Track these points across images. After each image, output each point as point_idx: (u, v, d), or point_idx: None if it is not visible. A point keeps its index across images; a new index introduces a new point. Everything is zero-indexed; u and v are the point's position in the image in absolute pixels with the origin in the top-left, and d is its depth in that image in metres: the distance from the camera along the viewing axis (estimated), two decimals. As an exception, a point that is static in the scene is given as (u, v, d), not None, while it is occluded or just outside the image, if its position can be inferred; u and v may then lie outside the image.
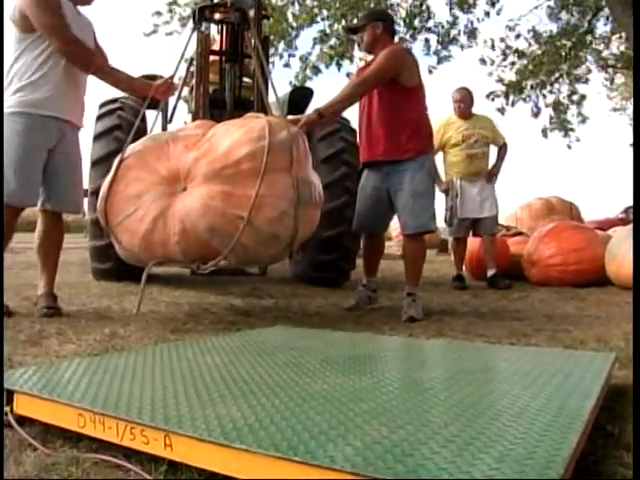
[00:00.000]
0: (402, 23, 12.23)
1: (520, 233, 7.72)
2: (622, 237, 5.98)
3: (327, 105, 3.74)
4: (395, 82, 3.81)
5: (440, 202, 6.32)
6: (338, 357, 2.08)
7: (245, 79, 5.43)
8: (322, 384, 1.66)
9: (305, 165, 3.44)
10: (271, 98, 4.27)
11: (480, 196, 6.14)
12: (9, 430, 1.55)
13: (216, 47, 5.10)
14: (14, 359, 2.37)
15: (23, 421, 1.56)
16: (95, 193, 4.70)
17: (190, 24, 4.57)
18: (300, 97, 5.99)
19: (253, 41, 4.33)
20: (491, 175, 6.26)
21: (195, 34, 4.52)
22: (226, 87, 4.97)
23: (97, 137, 5.39)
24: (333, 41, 12.10)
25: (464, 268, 6.43)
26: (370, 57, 4.20)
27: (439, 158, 6.28)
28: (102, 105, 5.61)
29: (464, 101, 6.29)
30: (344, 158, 5.49)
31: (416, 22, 12.15)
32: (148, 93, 3.64)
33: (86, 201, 5.40)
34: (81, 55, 3.46)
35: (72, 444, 1.47)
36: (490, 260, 6.17)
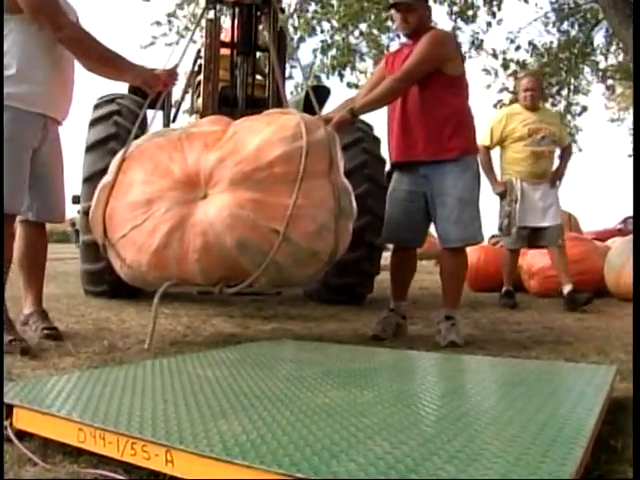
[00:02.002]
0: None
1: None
2: (621, 248, 5.98)
3: (363, 103, 3.28)
4: (439, 71, 3.27)
5: (490, 207, 5.70)
6: (339, 370, 2.07)
7: (257, 77, 4.90)
8: (324, 398, 1.65)
9: (342, 169, 3.04)
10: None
11: (543, 202, 5.29)
12: (9, 445, 1.53)
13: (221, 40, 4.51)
14: (13, 372, 2.36)
15: (22, 435, 1.55)
16: (88, 180, 4.20)
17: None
18: (317, 96, 5.54)
19: (270, 31, 3.93)
20: (555, 179, 5.46)
21: (204, 22, 4.11)
22: (237, 83, 4.46)
23: (90, 148, 4.70)
24: (334, 51, 12.13)
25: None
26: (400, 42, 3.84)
27: (494, 154, 5.55)
28: (99, 98, 4.97)
29: (536, 89, 5.40)
30: (363, 146, 4.88)
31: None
32: (155, 84, 3.13)
33: (77, 206, 4.91)
34: (81, 40, 2.89)
35: (72, 459, 1.46)
36: (563, 274, 5.27)
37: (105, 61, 2.97)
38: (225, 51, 4.52)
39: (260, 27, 4.44)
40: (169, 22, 11.93)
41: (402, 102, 3.32)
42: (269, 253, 2.67)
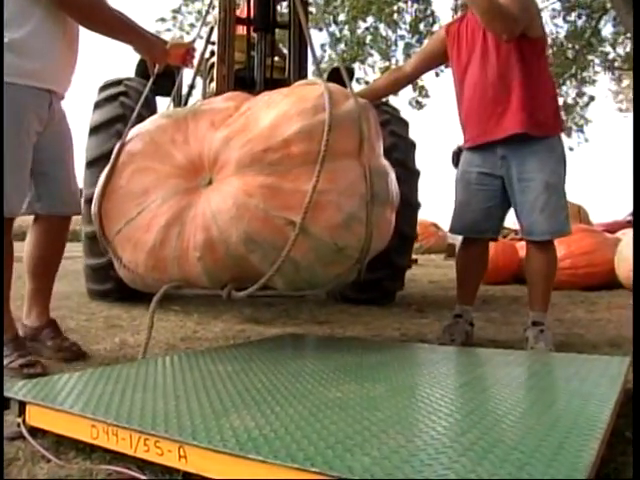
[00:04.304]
0: (408, 28, 12.25)
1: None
2: (632, 239, 5.96)
3: None
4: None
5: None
6: (351, 364, 2.06)
7: (276, 58, 4.47)
8: (336, 392, 1.64)
9: (377, 149, 2.58)
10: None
11: None
12: (22, 442, 1.54)
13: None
14: (25, 370, 2.36)
15: (36, 432, 1.56)
16: (91, 164, 3.91)
17: None
18: (340, 79, 5.09)
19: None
20: None
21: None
22: (255, 63, 4.05)
23: (94, 130, 4.27)
24: (342, 45, 12.14)
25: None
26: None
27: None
28: (105, 82, 4.52)
29: None
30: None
31: (421, 27, 12.16)
32: (162, 58, 2.74)
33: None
34: (82, 4, 2.45)
35: (85, 455, 1.47)
36: None
37: (111, 27, 2.56)
38: (241, 31, 4.21)
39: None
40: (174, 18, 11.99)
41: (478, 71, 2.90)
42: (284, 249, 2.24)
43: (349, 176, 2.36)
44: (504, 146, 2.87)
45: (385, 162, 2.61)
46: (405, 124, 4.73)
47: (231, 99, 2.68)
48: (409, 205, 4.18)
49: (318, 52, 11.68)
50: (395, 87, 3.42)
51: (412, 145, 4.70)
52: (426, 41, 12.14)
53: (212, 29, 3.88)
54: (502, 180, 2.93)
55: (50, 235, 2.70)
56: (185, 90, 4.50)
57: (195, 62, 3.08)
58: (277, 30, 4.28)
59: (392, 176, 2.59)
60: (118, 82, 4.47)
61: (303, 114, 2.34)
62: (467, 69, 2.95)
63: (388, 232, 2.58)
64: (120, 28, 2.57)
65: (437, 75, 11.35)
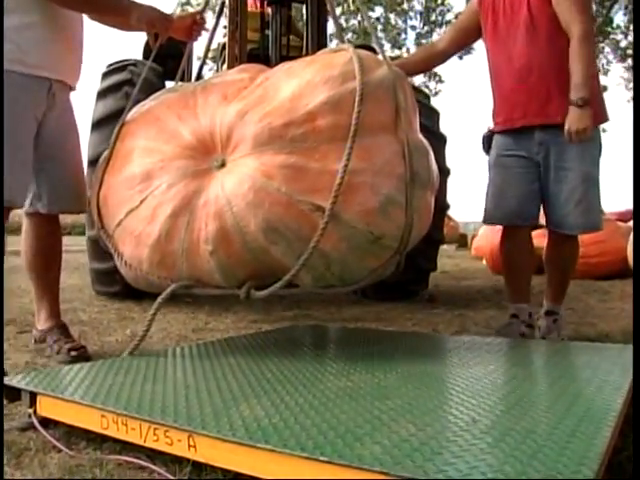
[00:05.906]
0: (418, 17, 12.19)
1: (540, 226, 7.64)
2: (632, 238, 5.92)
3: (584, 81, 2.47)
4: None
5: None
6: (361, 354, 2.06)
7: (294, 39, 4.25)
8: (346, 381, 1.63)
9: (414, 123, 2.25)
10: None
11: None
12: (33, 432, 1.55)
13: None
14: (37, 362, 2.38)
15: (47, 423, 1.56)
16: (94, 163, 3.31)
17: None
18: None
19: None
20: None
21: None
22: (269, 41, 3.80)
23: (102, 94, 4.04)
24: (350, 35, 12.09)
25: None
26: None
27: None
28: (109, 66, 4.28)
29: None
30: None
31: (433, 16, 12.08)
32: (165, 27, 2.45)
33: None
34: None
35: (96, 445, 1.47)
36: None
37: (94, 5, 2.38)
38: (254, 8, 4.01)
39: None
40: (182, 12, 11.96)
41: (522, 48, 2.68)
42: (311, 240, 1.93)
43: (385, 153, 2.03)
44: (544, 132, 2.67)
45: (423, 138, 2.27)
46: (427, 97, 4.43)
47: (245, 70, 2.35)
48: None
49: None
50: (427, 65, 3.29)
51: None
52: (441, 30, 12.09)
53: (223, 4, 3.63)
54: (539, 167, 2.72)
55: (42, 232, 2.52)
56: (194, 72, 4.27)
57: (205, 41, 2.83)
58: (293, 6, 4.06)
59: (432, 154, 2.27)
60: (122, 68, 4.18)
61: (330, 82, 2.02)
62: (508, 45, 2.72)
63: (428, 219, 2.26)
64: (108, 8, 2.40)
65: (460, 58, 11.17)
